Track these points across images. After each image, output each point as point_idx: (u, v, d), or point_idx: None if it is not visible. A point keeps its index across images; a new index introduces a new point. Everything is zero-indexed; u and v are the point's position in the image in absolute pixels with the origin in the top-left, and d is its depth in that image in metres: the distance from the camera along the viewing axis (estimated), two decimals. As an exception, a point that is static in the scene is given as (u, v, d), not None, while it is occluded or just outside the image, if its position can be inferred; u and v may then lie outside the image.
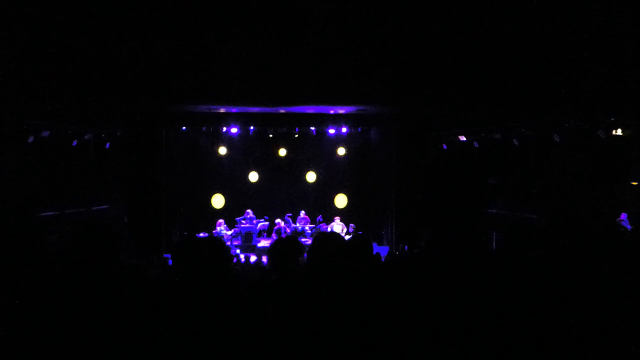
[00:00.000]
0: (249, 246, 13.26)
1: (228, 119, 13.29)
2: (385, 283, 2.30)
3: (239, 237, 13.73)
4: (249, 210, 14.19)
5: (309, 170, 15.40)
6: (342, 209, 15.31)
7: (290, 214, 14.42)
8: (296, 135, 14.54)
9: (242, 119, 13.32)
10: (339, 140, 14.90)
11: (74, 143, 10.54)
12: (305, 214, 14.60)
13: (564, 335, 1.91)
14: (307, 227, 14.11)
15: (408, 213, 12.88)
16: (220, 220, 14.10)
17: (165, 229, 12.98)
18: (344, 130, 13.85)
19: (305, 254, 2.64)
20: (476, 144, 12.07)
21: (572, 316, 1.95)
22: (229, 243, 13.03)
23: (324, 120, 13.43)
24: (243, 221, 13.98)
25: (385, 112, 12.63)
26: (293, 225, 14.19)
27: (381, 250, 11.46)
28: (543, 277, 2.12)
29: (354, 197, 15.40)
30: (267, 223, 14.22)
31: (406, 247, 11.61)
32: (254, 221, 14.02)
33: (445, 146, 13.06)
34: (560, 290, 2.04)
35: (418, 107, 11.12)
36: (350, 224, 13.89)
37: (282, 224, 13.95)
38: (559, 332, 1.92)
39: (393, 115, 12.87)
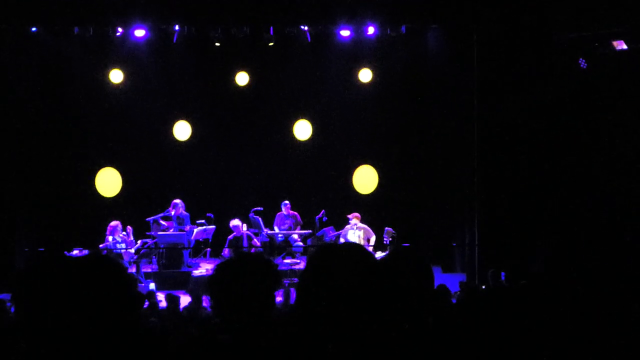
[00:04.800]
0: (175, 276, 11.67)
1: (126, 9, 11.57)
2: (464, 349, 2.24)
3: (154, 257, 12.13)
4: (176, 201, 12.22)
5: (299, 117, 13.25)
6: (367, 196, 13.27)
7: (259, 209, 12.49)
8: (271, 44, 12.35)
9: (156, 10, 11.60)
10: (359, 53, 12.68)
11: None
12: (290, 207, 12.59)
13: None
14: (295, 235, 12.44)
15: (504, 207, 11.51)
16: (115, 223, 11.87)
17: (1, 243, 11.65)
18: (370, 31, 11.88)
19: (293, 291, 2.77)
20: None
21: None
22: (132, 269, 11.34)
23: (327, 11, 11.54)
24: (163, 222, 12.18)
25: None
26: (266, 230, 12.38)
27: (450, 281, 10.27)
28: None
29: (390, 172, 13.24)
30: (212, 227, 12.36)
31: (502, 273, 10.08)
32: (187, 227, 12.07)
33: (583, 63, 11.98)
34: None
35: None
36: (386, 228, 12.24)
37: (243, 228, 12.05)
38: None
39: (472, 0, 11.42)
